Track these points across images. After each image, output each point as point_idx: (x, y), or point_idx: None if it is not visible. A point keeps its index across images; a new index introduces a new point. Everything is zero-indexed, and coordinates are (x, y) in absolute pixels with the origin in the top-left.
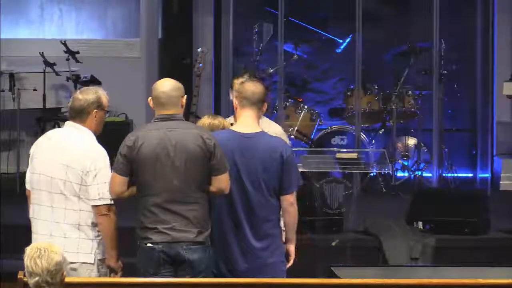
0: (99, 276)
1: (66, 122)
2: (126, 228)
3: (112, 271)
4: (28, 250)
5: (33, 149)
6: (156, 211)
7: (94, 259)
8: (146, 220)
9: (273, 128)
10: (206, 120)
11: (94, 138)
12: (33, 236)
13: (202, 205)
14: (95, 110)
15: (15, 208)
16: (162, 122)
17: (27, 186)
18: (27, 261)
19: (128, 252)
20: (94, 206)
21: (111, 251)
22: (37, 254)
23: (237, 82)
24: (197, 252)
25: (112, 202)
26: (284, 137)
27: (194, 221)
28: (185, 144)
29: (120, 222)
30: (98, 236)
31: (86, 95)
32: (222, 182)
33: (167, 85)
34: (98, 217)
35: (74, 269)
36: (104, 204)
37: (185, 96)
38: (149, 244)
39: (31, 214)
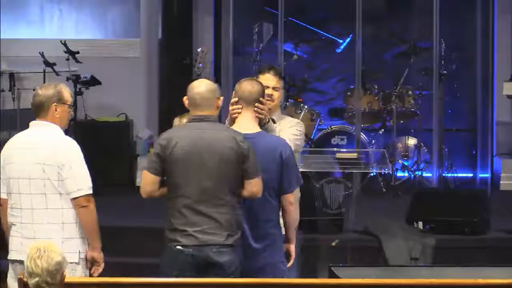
0: (84, 275)
1: (30, 123)
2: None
3: (94, 263)
4: (28, 250)
5: (3, 157)
6: (187, 212)
7: (79, 258)
8: (176, 221)
9: (288, 119)
10: (178, 123)
11: (62, 132)
12: (16, 241)
13: (234, 208)
14: (54, 104)
15: None
16: (197, 123)
17: (2, 195)
18: (27, 261)
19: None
20: (73, 199)
21: (93, 242)
22: (37, 255)
23: (262, 77)
24: (226, 255)
25: (90, 192)
26: (301, 126)
27: (225, 224)
28: (219, 146)
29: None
30: (82, 234)
31: (45, 90)
32: (254, 186)
33: (202, 86)
34: (78, 209)
35: None
36: (82, 195)
37: (221, 98)
38: (178, 247)
39: (9, 219)
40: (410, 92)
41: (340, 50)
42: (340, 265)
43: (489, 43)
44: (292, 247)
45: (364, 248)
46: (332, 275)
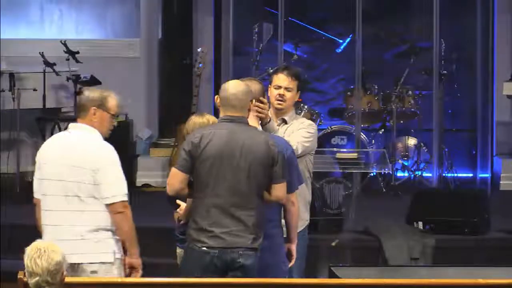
0: (119, 275)
1: (70, 124)
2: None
3: (133, 269)
4: (28, 250)
5: (39, 156)
6: (215, 213)
7: (114, 258)
8: (203, 221)
9: (300, 120)
10: (196, 120)
11: (100, 136)
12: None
13: (260, 211)
14: (93, 108)
15: (15, 208)
16: (229, 123)
17: (36, 195)
18: (27, 261)
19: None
20: (109, 205)
21: (131, 248)
22: (37, 254)
23: (276, 77)
24: (251, 258)
25: (126, 199)
26: (313, 128)
27: (252, 227)
28: (251, 148)
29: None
30: (115, 235)
31: (90, 92)
32: (280, 190)
33: (237, 87)
34: (114, 216)
35: (95, 271)
36: (118, 202)
37: (254, 101)
38: (204, 248)
39: (43, 221)
40: (410, 92)
41: (340, 50)
42: (340, 265)
43: (489, 43)
44: (294, 247)
45: (364, 248)
46: (332, 275)
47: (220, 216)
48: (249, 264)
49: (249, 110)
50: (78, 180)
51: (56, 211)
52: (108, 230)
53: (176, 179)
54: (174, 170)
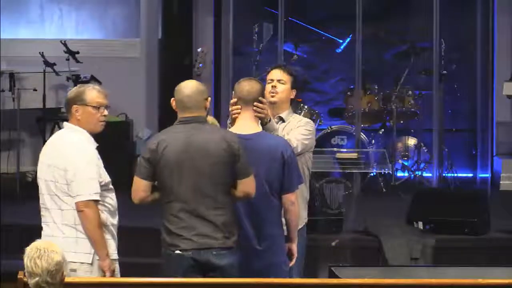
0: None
1: (63, 123)
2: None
3: (104, 272)
4: (28, 250)
5: (40, 156)
6: (183, 216)
7: (93, 259)
8: (172, 226)
9: (298, 118)
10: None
11: (83, 135)
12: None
13: (229, 209)
14: (74, 106)
15: (15, 208)
16: (186, 125)
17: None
18: (27, 261)
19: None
20: (75, 204)
21: (96, 249)
22: (37, 254)
23: (269, 74)
24: (226, 257)
25: (92, 199)
26: (311, 126)
27: (222, 226)
28: (209, 148)
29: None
30: None
31: (69, 92)
32: (248, 186)
33: (190, 87)
34: (78, 214)
35: (74, 270)
36: (79, 201)
37: (209, 99)
38: (177, 252)
39: (41, 219)
40: (410, 92)
41: (340, 50)
42: (340, 265)
43: (489, 43)
44: (294, 247)
45: (364, 248)
46: (332, 275)
47: (188, 220)
48: (225, 264)
49: (205, 108)
50: (54, 180)
51: (46, 209)
52: None
53: (138, 187)
54: (135, 178)
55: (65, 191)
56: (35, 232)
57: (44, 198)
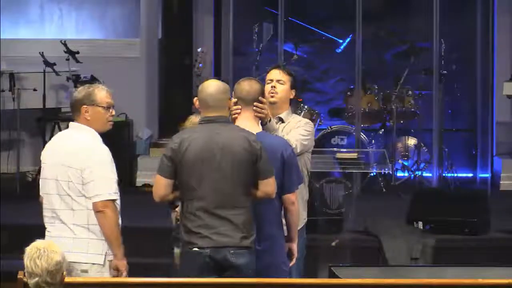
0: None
1: (69, 123)
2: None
3: (117, 271)
4: (28, 250)
5: (42, 155)
6: (202, 215)
7: (105, 260)
8: (191, 224)
9: (297, 119)
10: (195, 120)
11: (93, 135)
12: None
13: (248, 209)
14: (84, 106)
15: (15, 208)
16: (208, 124)
17: (41, 193)
18: (26, 261)
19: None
20: (93, 204)
21: (113, 249)
22: (37, 255)
23: (268, 74)
24: (244, 257)
25: (111, 198)
26: (310, 126)
27: (240, 226)
28: (232, 147)
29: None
30: None
31: (77, 92)
32: (268, 186)
33: (214, 86)
34: (95, 214)
35: (85, 271)
36: (98, 201)
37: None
38: (195, 249)
39: (45, 220)
40: (410, 92)
41: (340, 50)
42: (340, 265)
43: (489, 43)
44: (294, 247)
45: (364, 248)
46: (332, 275)
47: (208, 218)
48: (242, 263)
49: (229, 108)
50: (68, 180)
51: (53, 210)
52: (99, 230)
53: (160, 186)
54: (157, 177)
55: (79, 191)
56: (35, 232)
57: (52, 198)
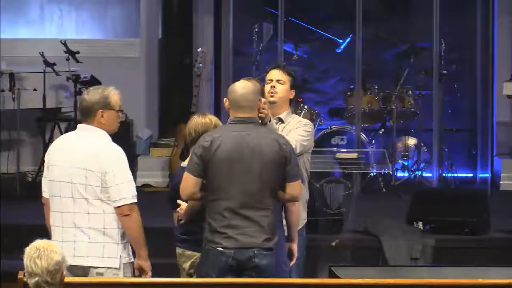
0: None
1: (78, 125)
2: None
3: (141, 272)
4: (28, 250)
5: (48, 157)
6: (228, 215)
7: (120, 264)
8: (216, 223)
9: (297, 119)
10: (198, 119)
11: (108, 137)
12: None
13: (274, 211)
14: (100, 110)
15: (15, 208)
16: (239, 125)
17: (45, 194)
18: (26, 261)
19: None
20: (116, 207)
21: (139, 251)
22: (37, 254)
23: (268, 74)
24: (266, 258)
25: (135, 201)
26: (309, 127)
27: (266, 227)
28: (262, 149)
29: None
30: (124, 239)
31: (91, 95)
32: (295, 189)
33: (244, 87)
34: (121, 218)
35: (100, 274)
36: (124, 204)
37: (263, 100)
38: (219, 249)
39: (51, 222)
40: (410, 92)
41: (340, 50)
42: (340, 265)
43: (489, 43)
44: (295, 246)
45: (364, 248)
46: (332, 275)
47: (233, 218)
48: (264, 264)
49: (258, 109)
50: (86, 183)
51: (64, 213)
52: (115, 233)
53: (189, 184)
54: (186, 174)
55: (97, 194)
56: (35, 232)
57: (63, 201)
